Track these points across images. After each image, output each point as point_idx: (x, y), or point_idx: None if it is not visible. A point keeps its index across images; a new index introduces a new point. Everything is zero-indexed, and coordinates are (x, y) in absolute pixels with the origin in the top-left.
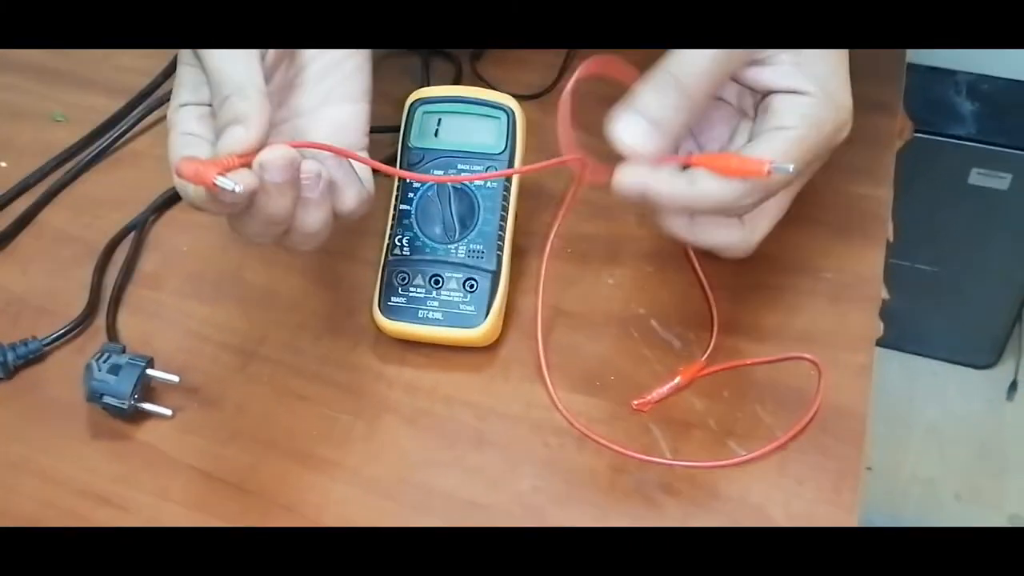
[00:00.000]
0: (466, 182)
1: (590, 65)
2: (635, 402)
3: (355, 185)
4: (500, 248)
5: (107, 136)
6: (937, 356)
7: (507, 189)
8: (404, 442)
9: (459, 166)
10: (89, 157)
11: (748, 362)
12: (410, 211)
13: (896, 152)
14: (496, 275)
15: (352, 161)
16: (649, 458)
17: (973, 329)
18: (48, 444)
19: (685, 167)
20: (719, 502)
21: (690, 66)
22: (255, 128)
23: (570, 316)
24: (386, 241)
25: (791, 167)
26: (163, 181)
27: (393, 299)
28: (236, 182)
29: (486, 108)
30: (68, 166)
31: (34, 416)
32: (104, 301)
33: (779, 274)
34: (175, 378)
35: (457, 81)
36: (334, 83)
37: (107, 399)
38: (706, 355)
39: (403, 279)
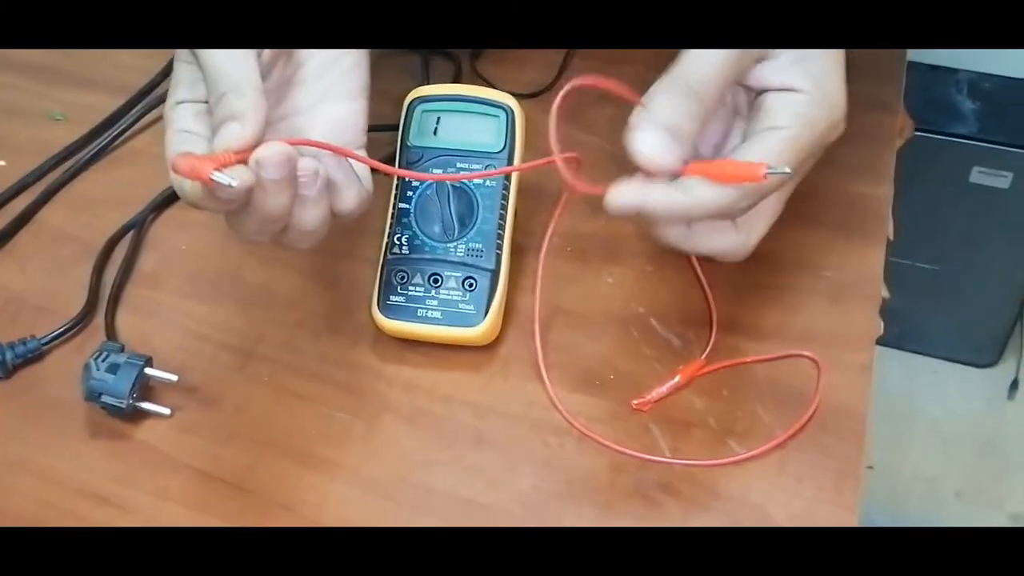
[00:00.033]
0: (465, 181)
1: (578, 82)
2: (635, 402)
3: (355, 185)
4: (499, 247)
5: (106, 135)
6: (938, 355)
7: (506, 188)
8: (403, 441)
9: (458, 165)
10: (88, 156)
11: (747, 360)
12: (409, 210)
13: (897, 151)
14: (495, 274)
15: (351, 160)
16: (648, 457)
17: (974, 328)
18: (46, 443)
19: (675, 176)
20: (719, 502)
21: (702, 72)
22: (251, 125)
23: (570, 315)
24: (385, 240)
25: (787, 169)
26: (162, 180)
27: (392, 298)
28: (232, 177)
29: (485, 107)
30: (67, 165)
31: (33, 415)
32: (103, 300)
33: (779, 273)
34: (174, 377)
35: (456, 79)
36: (331, 80)
37: (105, 398)
38: (705, 354)
39: (402, 278)
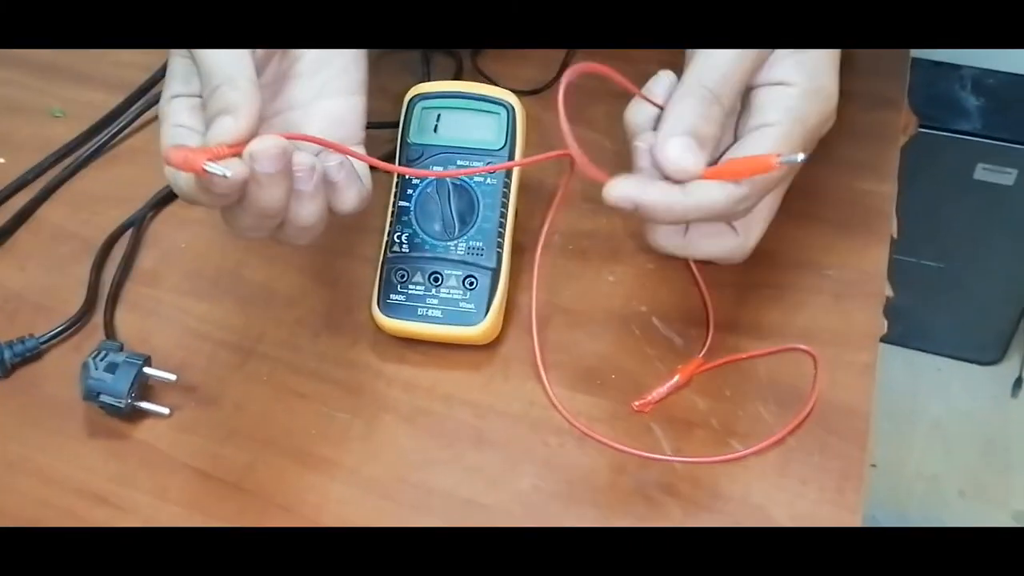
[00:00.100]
0: (465, 180)
1: (579, 68)
2: (636, 403)
3: (356, 184)
4: (500, 245)
5: (105, 132)
6: (941, 352)
7: (507, 186)
8: (403, 441)
9: (458, 162)
10: (87, 153)
11: (744, 356)
12: (409, 208)
13: (900, 148)
14: (496, 272)
15: (353, 159)
16: (648, 455)
17: (978, 325)
18: (45, 443)
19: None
20: (721, 502)
21: (719, 74)
22: (244, 118)
23: (570, 313)
24: (385, 238)
25: (800, 156)
26: (162, 177)
27: (392, 296)
28: (226, 168)
29: (486, 104)
30: (66, 162)
31: (31, 415)
32: (102, 298)
33: (781, 271)
34: (172, 376)
35: (457, 76)
36: (329, 76)
37: (104, 398)
38: (703, 352)
39: (402, 276)
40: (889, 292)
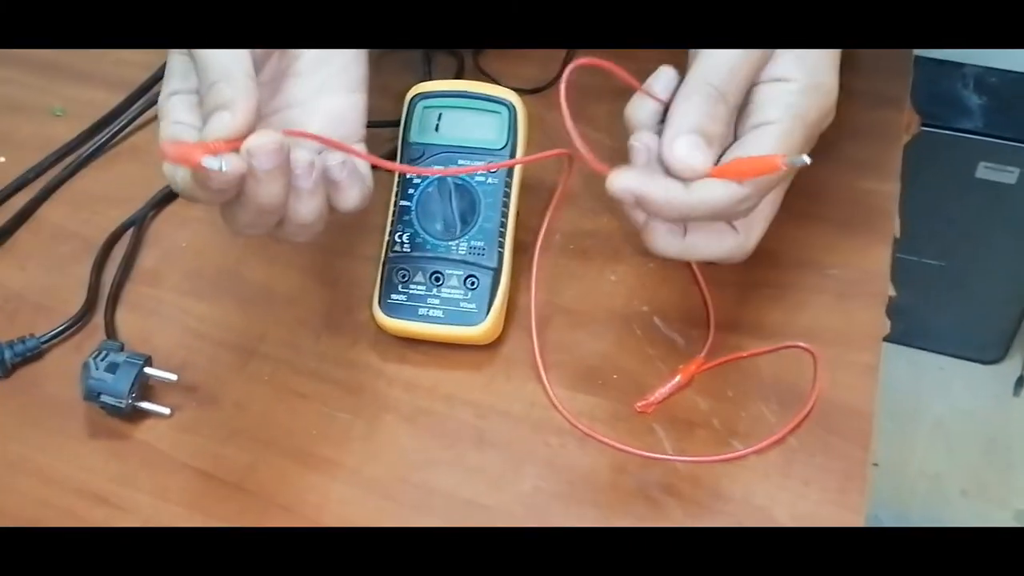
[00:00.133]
0: (467, 179)
1: (581, 61)
2: (638, 404)
3: (359, 182)
4: (501, 245)
5: (106, 131)
6: (944, 351)
7: (508, 185)
8: (404, 441)
9: (460, 161)
10: (88, 152)
11: (745, 354)
12: (410, 207)
13: (903, 146)
14: (497, 272)
15: (355, 158)
16: (650, 454)
17: (980, 324)
18: (45, 443)
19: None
20: (722, 503)
21: (724, 72)
22: (241, 113)
23: (572, 313)
24: (386, 237)
25: (807, 159)
26: (162, 177)
27: (393, 296)
28: (222, 162)
29: (487, 103)
30: (67, 161)
31: (31, 414)
32: (102, 298)
33: (784, 271)
34: (173, 376)
35: (459, 75)
36: (329, 73)
37: (105, 398)
38: (704, 352)
39: (403, 276)
40: (892, 292)
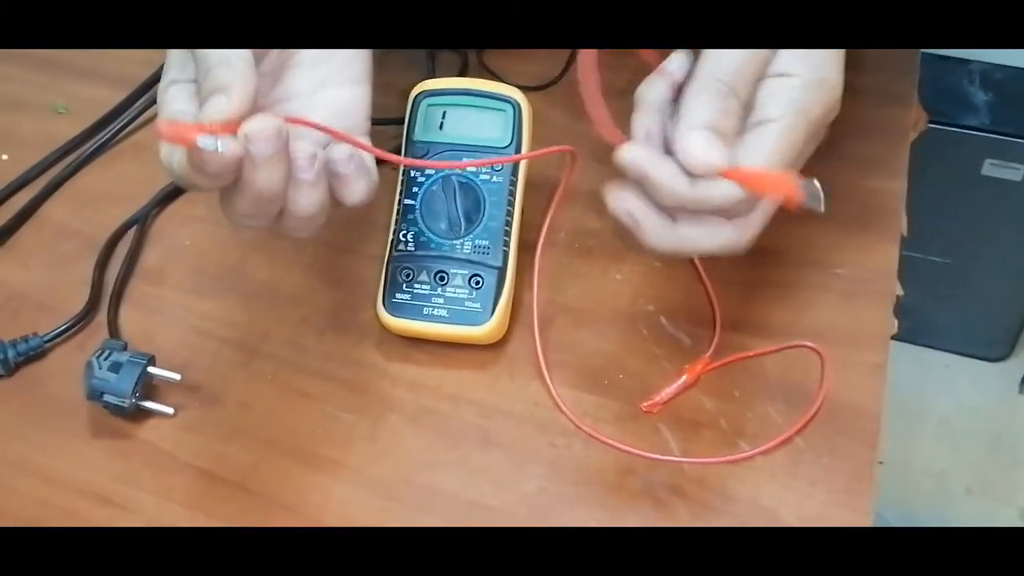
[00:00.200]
0: (471, 178)
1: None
2: (643, 404)
3: (365, 176)
4: (506, 244)
5: (109, 128)
6: (949, 349)
7: (513, 184)
8: (408, 441)
9: (464, 160)
10: (91, 150)
11: (751, 354)
12: (415, 206)
13: (910, 144)
14: (502, 271)
15: (363, 152)
16: (656, 456)
17: (985, 321)
18: (48, 442)
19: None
20: (729, 504)
21: (733, 67)
22: (238, 96)
23: (577, 312)
24: (390, 236)
25: (821, 198)
26: (165, 174)
27: (397, 296)
28: (218, 142)
29: (492, 101)
30: (69, 159)
31: (34, 414)
32: (105, 296)
33: (790, 270)
34: (176, 376)
35: (463, 72)
36: (332, 66)
37: (108, 397)
38: (710, 352)
39: (408, 275)
40: (899, 291)
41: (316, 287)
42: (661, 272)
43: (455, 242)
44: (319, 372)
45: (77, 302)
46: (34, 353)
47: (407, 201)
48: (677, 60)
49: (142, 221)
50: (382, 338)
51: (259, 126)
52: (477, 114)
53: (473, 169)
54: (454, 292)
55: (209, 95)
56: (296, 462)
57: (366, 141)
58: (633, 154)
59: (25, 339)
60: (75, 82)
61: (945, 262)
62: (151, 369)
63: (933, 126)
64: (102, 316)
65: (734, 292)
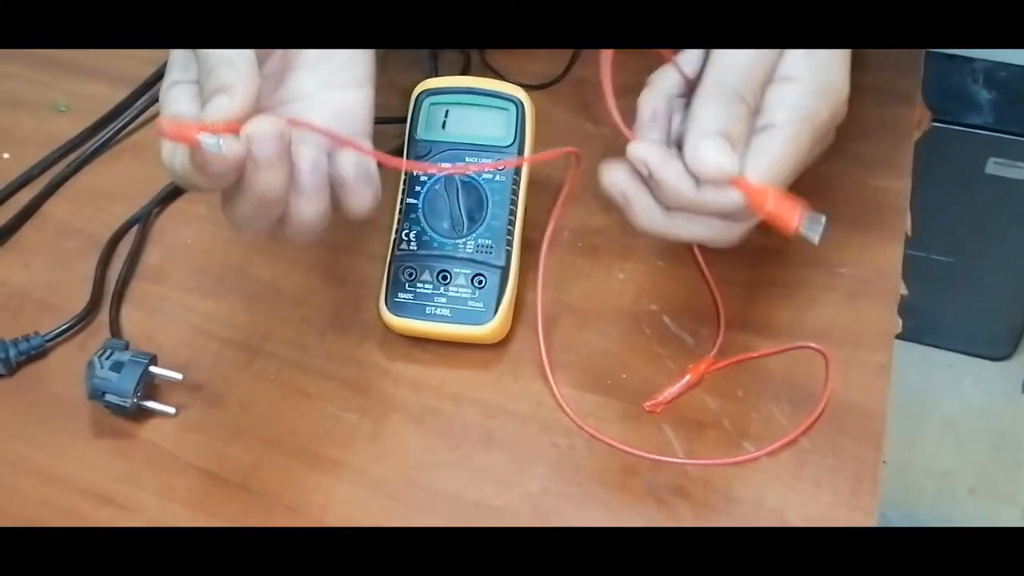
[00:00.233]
0: (474, 177)
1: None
2: (647, 404)
3: (371, 187)
4: (509, 243)
5: (111, 127)
6: (952, 348)
7: (516, 183)
8: (410, 441)
9: (467, 159)
10: (92, 148)
11: (755, 355)
12: (417, 205)
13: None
14: (505, 271)
15: (368, 160)
16: (659, 457)
17: (989, 320)
18: (49, 442)
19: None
20: (733, 505)
21: (741, 72)
22: (240, 96)
23: (580, 312)
24: (393, 235)
25: (816, 240)
26: (167, 173)
27: (400, 295)
28: (220, 142)
29: (495, 99)
30: (71, 157)
31: (35, 414)
32: (107, 295)
33: (794, 269)
34: (178, 376)
35: (466, 71)
36: (335, 67)
37: (109, 397)
38: (714, 351)
39: (410, 275)
40: (903, 291)
41: (318, 286)
42: (665, 271)
43: (458, 241)
44: (321, 372)
45: (79, 301)
46: (35, 352)
47: (409, 200)
48: (690, 56)
49: (144, 220)
50: (384, 338)
51: (261, 127)
52: (480, 113)
53: (476, 164)
54: (457, 291)
55: (211, 95)
56: (298, 462)
57: (368, 145)
58: (641, 151)
59: (27, 338)
60: (76, 80)
61: (949, 261)
62: (153, 369)
63: (937, 124)
64: (104, 315)
65: (738, 291)
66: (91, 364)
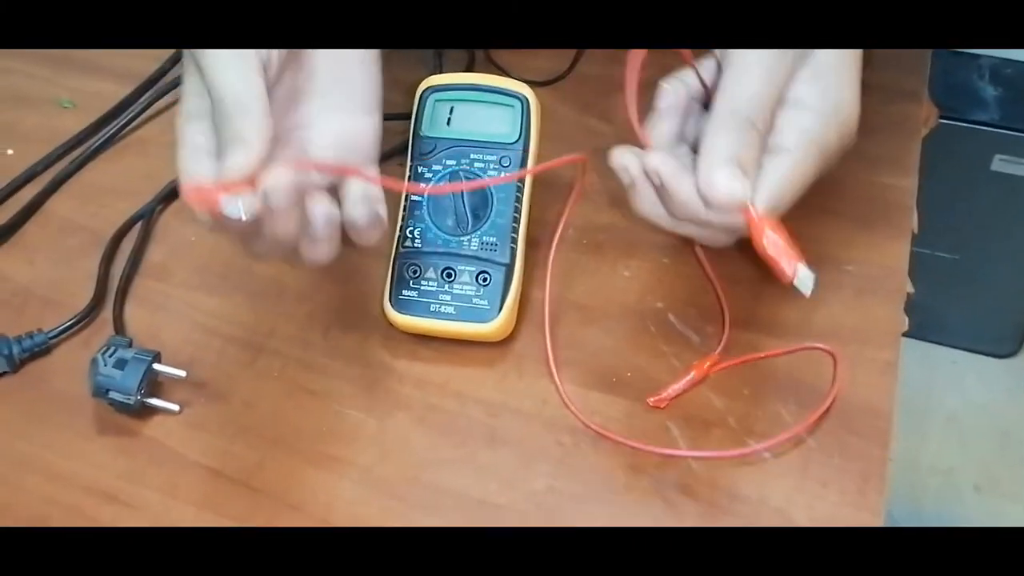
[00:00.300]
0: (479, 174)
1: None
2: (651, 399)
3: (380, 226)
4: (514, 240)
5: (115, 123)
6: (957, 345)
7: (521, 180)
8: (414, 439)
9: (472, 156)
10: (96, 144)
11: (762, 355)
12: (422, 202)
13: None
14: (510, 268)
15: (378, 196)
16: (663, 450)
17: (994, 317)
18: (53, 440)
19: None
20: (739, 504)
21: (751, 99)
22: (256, 151)
23: (585, 309)
24: (397, 233)
25: (809, 288)
26: (171, 170)
27: (404, 292)
28: (241, 209)
29: (500, 96)
30: (75, 154)
31: (39, 411)
32: (111, 292)
33: None
34: (182, 373)
35: (470, 68)
36: (344, 94)
37: (113, 394)
38: (719, 349)
39: (415, 272)
40: (910, 288)
41: (322, 284)
42: (670, 269)
43: (462, 239)
44: (325, 369)
45: (82, 298)
46: (39, 349)
47: (414, 197)
48: (710, 65)
49: (147, 217)
50: (389, 335)
51: (276, 181)
52: (485, 109)
53: (481, 165)
54: (461, 289)
55: (227, 145)
56: (302, 459)
57: (374, 171)
58: (655, 162)
59: (30, 335)
60: (80, 76)
61: (954, 258)
62: (156, 366)
63: (943, 121)
64: (107, 312)
65: (744, 289)
66: (95, 361)
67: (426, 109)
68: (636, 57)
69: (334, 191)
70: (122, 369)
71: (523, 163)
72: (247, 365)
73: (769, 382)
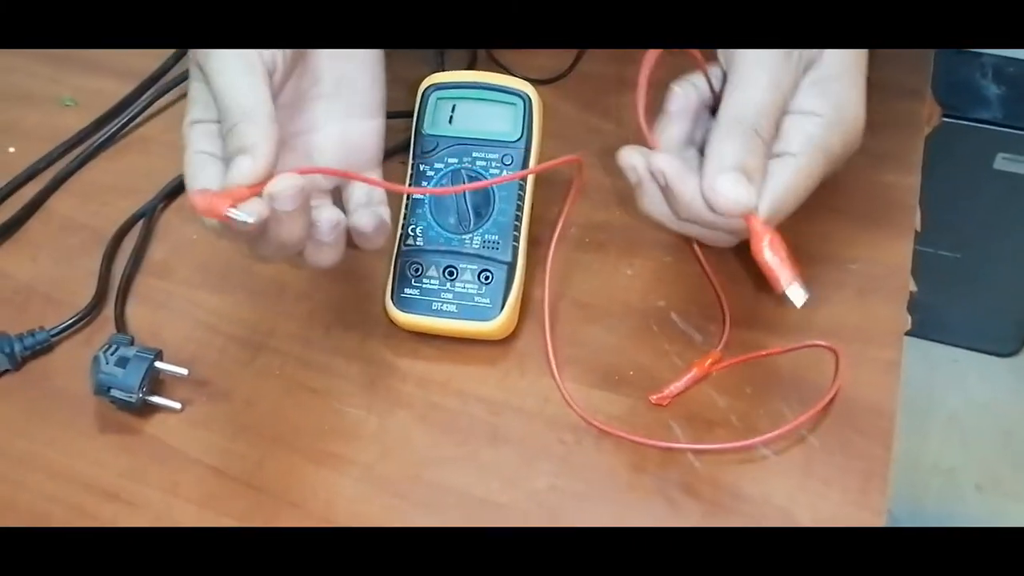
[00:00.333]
0: (481, 172)
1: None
2: (653, 397)
3: (384, 232)
4: (516, 239)
5: (116, 121)
6: (959, 344)
7: (523, 178)
8: (416, 437)
9: (474, 154)
10: (98, 142)
11: (763, 353)
12: (423, 200)
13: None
14: (512, 267)
15: (381, 201)
16: (666, 444)
17: (996, 316)
18: (55, 437)
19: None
20: (742, 502)
21: (756, 108)
22: (263, 159)
23: (587, 308)
24: (399, 231)
25: (799, 305)
26: (173, 168)
27: (406, 290)
28: (248, 214)
29: (502, 94)
30: (76, 152)
31: (41, 409)
32: (112, 290)
33: (803, 266)
34: (184, 371)
35: (472, 66)
36: (348, 99)
37: (115, 392)
38: (721, 347)
39: (416, 270)
40: (913, 287)
41: (323, 282)
42: (672, 267)
43: (464, 237)
44: (326, 367)
45: (84, 296)
46: (41, 347)
47: (416, 196)
48: (715, 72)
49: (149, 215)
50: (390, 333)
51: (282, 187)
52: (487, 107)
53: (483, 163)
54: (463, 287)
55: (234, 154)
56: (303, 457)
57: (378, 174)
58: (661, 163)
59: (32, 333)
60: (82, 74)
61: (956, 256)
62: (158, 364)
63: (945, 120)
64: (109, 310)
65: (746, 287)
66: (96, 359)
67: (428, 107)
68: (651, 58)
69: (338, 192)
70: (124, 367)
71: (525, 161)
72: (248, 363)
73: (771, 380)
